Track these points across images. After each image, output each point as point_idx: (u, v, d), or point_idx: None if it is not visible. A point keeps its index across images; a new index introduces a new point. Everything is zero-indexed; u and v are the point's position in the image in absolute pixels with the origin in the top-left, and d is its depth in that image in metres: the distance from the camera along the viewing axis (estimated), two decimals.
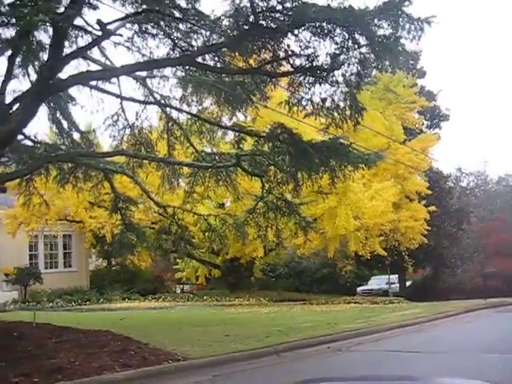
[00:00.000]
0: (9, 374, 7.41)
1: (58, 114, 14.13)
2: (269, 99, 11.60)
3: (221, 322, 15.33)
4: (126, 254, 23.90)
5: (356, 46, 9.34)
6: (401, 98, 29.58)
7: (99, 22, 10.37)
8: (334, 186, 12.50)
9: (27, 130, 13.44)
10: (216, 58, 11.18)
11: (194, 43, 11.38)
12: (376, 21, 8.67)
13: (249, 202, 15.87)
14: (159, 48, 11.73)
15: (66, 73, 11.10)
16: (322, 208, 21.36)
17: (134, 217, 16.10)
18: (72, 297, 24.28)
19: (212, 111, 14.63)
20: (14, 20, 8.26)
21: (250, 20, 8.89)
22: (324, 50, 9.52)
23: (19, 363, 7.94)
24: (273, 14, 8.82)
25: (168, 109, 14.08)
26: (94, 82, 12.64)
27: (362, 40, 9.09)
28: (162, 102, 13.69)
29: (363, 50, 9.41)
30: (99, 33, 10.59)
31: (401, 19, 8.63)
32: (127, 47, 12.17)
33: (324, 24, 8.84)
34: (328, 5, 8.37)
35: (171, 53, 11.75)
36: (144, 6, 10.90)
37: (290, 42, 9.68)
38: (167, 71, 13.06)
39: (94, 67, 12.42)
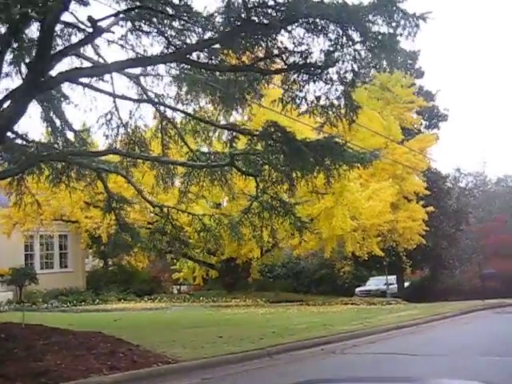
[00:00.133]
0: None
1: (52, 113, 14.00)
2: (262, 97, 11.45)
3: (215, 323, 15.18)
4: (121, 255, 23.87)
5: (350, 43, 9.19)
6: (399, 97, 29.46)
7: (90, 18, 10.21)
8: (330, 185, 12.34)
9: (20, 129, 13.35)
10: (209, 56, 11.03)
11: (188, 41, 11.25)
12: (370, 17, 8.51)
13: (245, 202, 15.72)
14: (153, 46, 11.61)
15: (58, 71, 11.00)
16: (319, 208, 21.20)
17: (128, 217, 15.94)
18: (67, 297, 24.10)
19: (207, 110, 14.49)
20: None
21: (242, 16, 8.72)
22: (318, 46, 9.39)
23: (4, 365, 7.76)
24: (265, 10, 8.66)
25: (162, 108, 13.94)
26: (87, 81, 12.51)
27: (357, 36, 8.93)
28: (156, 100, 13.55)
29: (358, 46, 9.26)
30: (91, 30, 10.44)
31: (395, 15, 8.47)
32: (121, 45, 12.03)
33: (317, 20, 8.68)
34: (321, 0, 8.21)
35: (165, 51, 11.61)
36: (137, 3, 10.77)
37: (283, 38, 9.56)
38: (161, 70, 12.92)
39: (88, 66, 12.28)
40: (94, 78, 12.63)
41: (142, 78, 13.28)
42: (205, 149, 15.74)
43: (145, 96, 13.40)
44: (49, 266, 27.15)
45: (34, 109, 13.37)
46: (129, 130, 14.10)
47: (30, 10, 6.72)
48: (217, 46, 10.58)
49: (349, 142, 13.36)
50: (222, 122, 16.43)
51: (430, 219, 27.09)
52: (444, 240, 31.27)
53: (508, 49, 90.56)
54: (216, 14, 10.03)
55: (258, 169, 12.27)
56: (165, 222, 15.42)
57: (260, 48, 9.70)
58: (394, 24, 8.49)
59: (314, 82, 10.22)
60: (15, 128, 13.01)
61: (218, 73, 11.74)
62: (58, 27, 11.93)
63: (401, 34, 8.49)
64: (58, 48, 11.44)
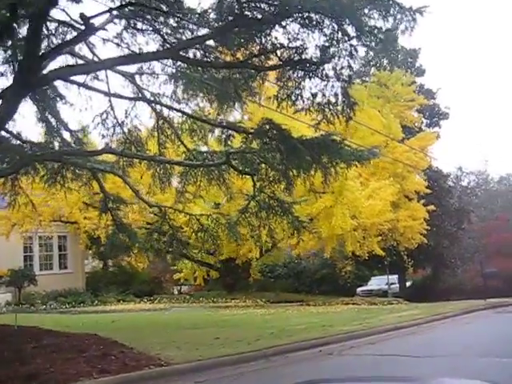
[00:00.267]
0: None
1: (47, 113, 13.85)
2: (258, 95, 11.25)
3: (213, 324, 15.00)
4: (119, 255, 23.69)
5: (346, 38, 9.00)
6: (399, 95, 29.27)
7: (82, 15, 10.06)
8: (327, 183, 12.13)
9: (15, 129, 13.20)
10: (204, 53, 10.86)
11: (183, 38, 11.08)
12: (366, 10, 8.32)
13: (243, 202, 15.53)
14: (149, 44, 11.46)
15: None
16: (318, 207, 20.99)
17: (126, 217, 15.78)
18: (66, 299, 23.96)
19: (203, 109, 14.32)
20: None
21: (235, 11, 8.54)
22: (313, 42, 9.22)
23: None
24: (258, 4, 8.48)
25: (158, 106, 13.77)
26: (81, 80, 12.35)
27: (352, 31, 8.73)
28: (152, 99, 13.38)
29: (354, 42, 9.07)
30: (84, 27, 10.28)
31: (392, 9, 8.29)
32: (116, 44, 11.87)
33: (312, 15, 8.50)
34: None
35: (161, 49, 11.44)
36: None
37: (277, 34, 9.38)
38: (157, 68, 12.76)
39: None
40: (89, 77, 12.49)
41: (137, 77, 13.13)
42: (202, 148, 15.57)
43: (140, 95, 13.25)
44: (48, 267, 27.00)
45: (29, 108, 13.27)
46: (125, 129, 13.95)
47: (17, 1, 6.53)
48: (211, 42, 10.43)
49: (348, 140, 13.18)
50: (220, 121, 16.24)
51: (432, 218, 26.88)
52: (446, 239, 31.07)
53: (509, 46, 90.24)
54: (210, 11, 9.89)
55: (254, 167, 12.09)
56: (162, 222, 15.26)
57: (254, 44, 9.52)
58: (390, 18, 8.30)
59: (310, 78, 10.04)
60: (10, 128, 12.91)
61: (213, 70, 11.58)
62: (53, 26, 11.81)
63: (397, 28, 8.30)
64: (53, 47, 11.30)
